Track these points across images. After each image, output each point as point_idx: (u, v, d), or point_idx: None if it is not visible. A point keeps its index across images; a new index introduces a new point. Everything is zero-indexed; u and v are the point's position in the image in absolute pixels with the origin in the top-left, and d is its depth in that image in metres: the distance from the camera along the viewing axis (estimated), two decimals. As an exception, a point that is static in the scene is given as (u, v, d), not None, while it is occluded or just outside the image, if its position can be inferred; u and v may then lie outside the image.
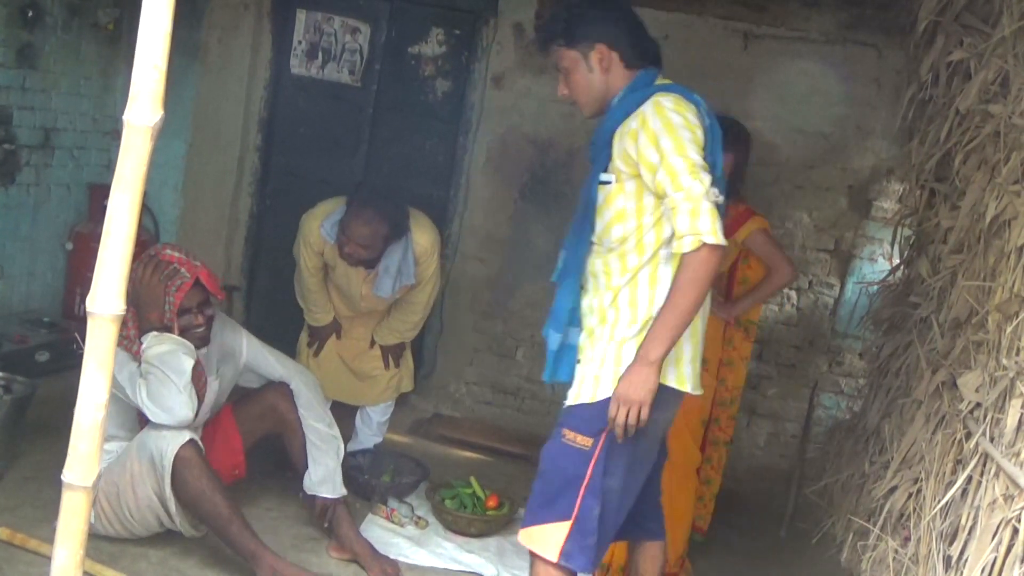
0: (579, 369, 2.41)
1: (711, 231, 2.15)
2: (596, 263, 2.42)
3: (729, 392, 3.69)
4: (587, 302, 2.43)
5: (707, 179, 2.20)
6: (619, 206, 2.35)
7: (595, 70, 2.43)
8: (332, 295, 3.97)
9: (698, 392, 2.45)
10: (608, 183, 2.36)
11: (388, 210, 3.59)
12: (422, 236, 3.76)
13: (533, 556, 2.37)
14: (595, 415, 2.30)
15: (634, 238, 2.34)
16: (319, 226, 3.70)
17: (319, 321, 3.99)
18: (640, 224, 2.33)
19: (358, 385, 4.09)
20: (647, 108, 2.29)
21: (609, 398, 2.27)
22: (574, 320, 2.44)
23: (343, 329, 4.05)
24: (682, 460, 3.38)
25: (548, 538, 2.31)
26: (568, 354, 2.45)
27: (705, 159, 2.25)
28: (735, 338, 3.63)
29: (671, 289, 2.25)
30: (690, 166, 2.19)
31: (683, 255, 2.20)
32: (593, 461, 2.29)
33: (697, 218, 2.16)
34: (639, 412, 2.23)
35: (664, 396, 2.31)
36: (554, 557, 2.30)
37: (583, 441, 2.30)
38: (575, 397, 2.37)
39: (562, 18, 2.44)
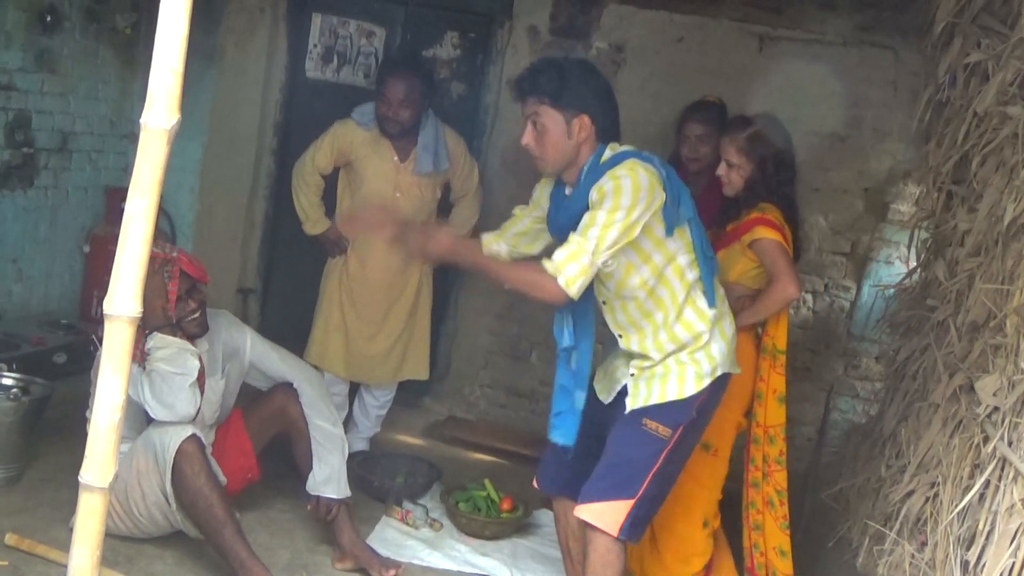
0: (646, 381, 2.67)
1: (569, 282, 2.41)
2: (630, 313, 2.67)
3: (763, 429, 3.29)
4: (640, 344, 2.67)
5: (604, 257, 2.45)
6: (625, 261, 2.57)
7: (573, 136, 2.54)
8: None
9: (735, 370, 2.78)
10: None
11: (418, 66, 3.99)
12: (447, 128, 4.05)
13: (592, 529, 2.57)
14: (679, 409, 2.61)
15: (652, 279, 2.60)
16: (351, 117, 3.95)
17: (315, 228, 4.06)
18: (653, 267, 2.59)
19: (363, 362, 4.08)
20: (620, 170, 2.46)
21: (691, 396, 2.60)
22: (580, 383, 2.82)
23: (363, 265, 4.05)
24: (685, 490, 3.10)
25: (612, 514, 2.55)
26: (572, 419, 2.84)
27: (670, 203, 2.51)
28: (763, 368, 3.28)
29: (509, 265, 2.73)
30: (602, 237, 2.41)
31: (541, 265, 2.46)
32: (667, 450, 2.59)
33: (572, 261, 2.42)
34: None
35: (720, 385, 2.70)
36: (614, 532, 2.54)
37: (664, 431, 2.58)
38: (660, 397, 2.62)
39: (554, 77, 2.53)
